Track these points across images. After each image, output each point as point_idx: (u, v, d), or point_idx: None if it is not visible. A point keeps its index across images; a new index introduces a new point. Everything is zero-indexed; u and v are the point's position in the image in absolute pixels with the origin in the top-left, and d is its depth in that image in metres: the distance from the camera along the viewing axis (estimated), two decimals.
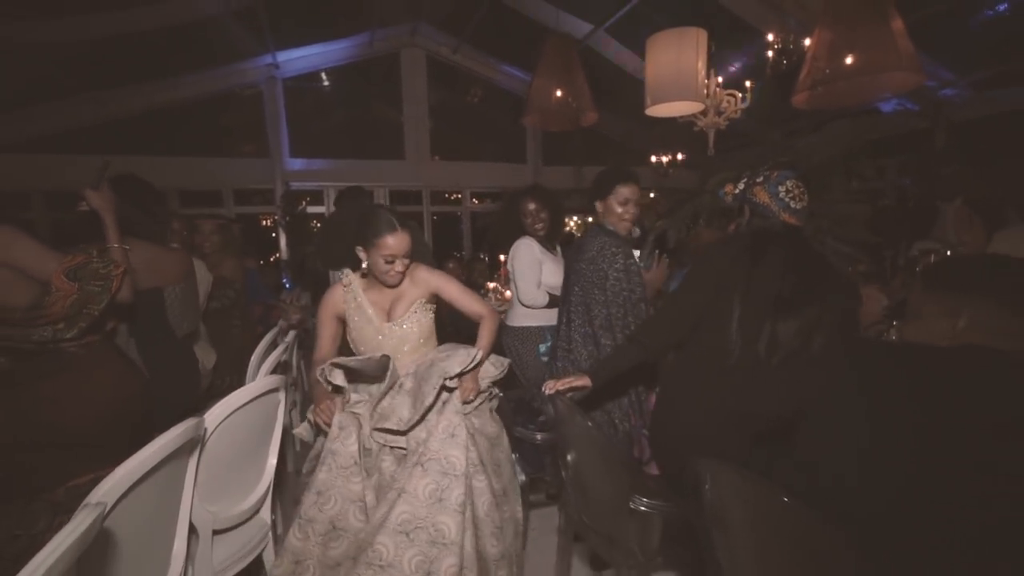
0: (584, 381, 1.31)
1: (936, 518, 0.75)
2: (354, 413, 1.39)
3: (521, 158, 6.88)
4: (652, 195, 4.71)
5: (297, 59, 5.61)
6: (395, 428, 1.34)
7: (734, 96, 4.21)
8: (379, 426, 1.35)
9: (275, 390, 1.39)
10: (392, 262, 1.47)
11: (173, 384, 1.69)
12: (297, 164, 5.90)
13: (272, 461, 1.43)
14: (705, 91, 3.92)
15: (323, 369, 1.45)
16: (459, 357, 1.46)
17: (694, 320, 1.28)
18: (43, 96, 4.68)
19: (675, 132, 4.64)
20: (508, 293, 2.73)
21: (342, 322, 1.60)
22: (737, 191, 1.34)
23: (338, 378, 1.44)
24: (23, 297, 1.19)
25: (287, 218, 5.66)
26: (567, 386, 1.32)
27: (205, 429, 1.12)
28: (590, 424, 1.24)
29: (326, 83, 6.13)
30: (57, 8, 3.73)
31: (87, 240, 1.44)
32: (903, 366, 0.86)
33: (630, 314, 1.62)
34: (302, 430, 1.48)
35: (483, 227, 6.69)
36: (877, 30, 2.70)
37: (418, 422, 1.37)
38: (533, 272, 2.13)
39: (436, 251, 6.09)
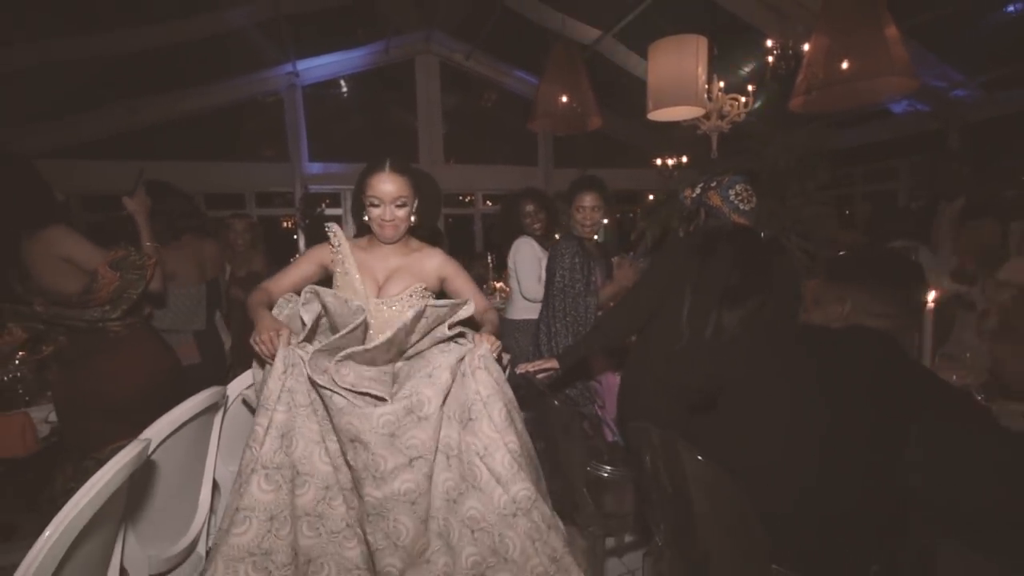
0: (552, 363, 1.50)
1: (815, 458, 0.93)
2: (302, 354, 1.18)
3: (532, 161, 7.08)
4: (651, 197, 4.84)
5: (316, 67, 5.92)
6: (380, 394, 1.15)
7: (736, 100, 4.34)
8: (360, 389, 1.15)
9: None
10: (377, 206, 1.31)
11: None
12: (316, 168, 6.21)
13: None
14: (707, 96, 4.07)
15: (304, 293, 1.26)
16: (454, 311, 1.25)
17: (650, 310, 1.46)
18: (81, 106, 5.08)
19: (682, 135, 4.79)
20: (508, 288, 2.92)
21: (324, 272, 1.42)
22: (694, 195, 1.51)
23: (309, 312, 1.24)
24: (76, 284, 1.44)
25: (306, 220, 5.97)
26: (537, 368, 1.51)
27: (227, 396, 1.35)
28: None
29: (343, 90, 6.45)
30: (95, 25, 4.08)
31: (123, 239, 1.70)
32: (804, 344, 1.03)
33: (579, 307, 1.83)
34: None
35: (489, 227, 6.92)
36: (871, 36, 2.83)
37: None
38: (534, 268, 2.32)
39: (450, 251, 6.32)
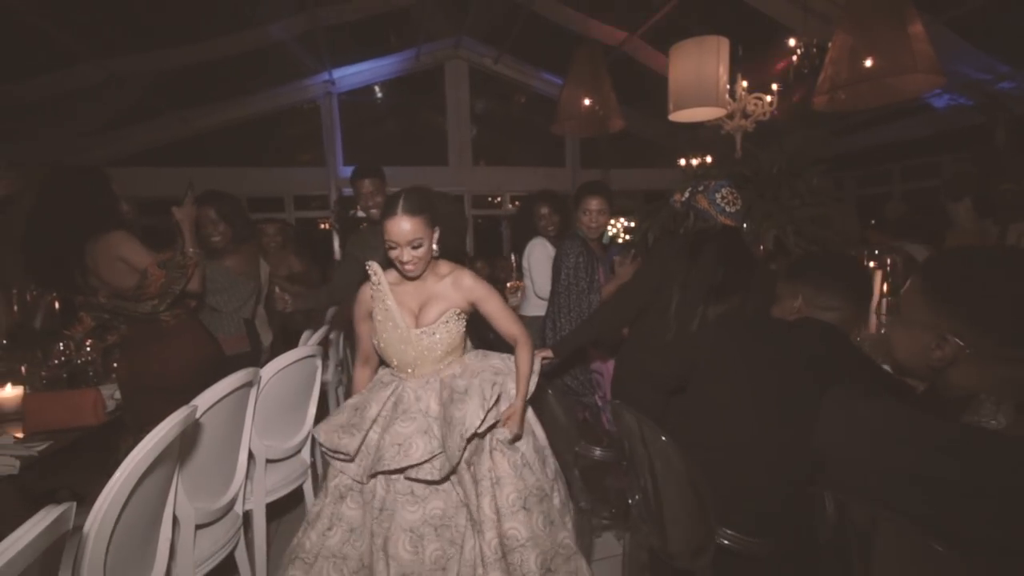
0: (547, 352, 1.64)
1: (766, 431, 1.04)
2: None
3: (560, 162, 7.21)
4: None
5: (350, 75, 6.24)
6: (433, 478, 1.31)
7: (761, 99, 4.34)
8: (401, 466, 1.30)
9: (313, 356, 1.82)
10: (395, 248, 1.35)
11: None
12: (350, 171, 6.54)
13: (312, 411, 1.86)
14: (730, 95, 4.09)
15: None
16: (474, 404, 1.30)
17: (639, 305, 1.58)
18: (138, 117, 5.55)
19: (707, 135, 4.81)
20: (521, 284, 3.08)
21: (374, 320, 1.49)
22: (683, 199, 1.63)
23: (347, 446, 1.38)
24: (131, 281, 1.69)
25: (339, 223, 6.30)
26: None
27: (260, 377, 1.56)
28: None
29: (376, 96, 6.76)
30: (151, 43, 4.49)
31: (172, 241, 1.95)
32: (761, 333, 1.15)
33: (582, 303, 1.96)
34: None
35: (506, 228, 7.09)
36: (894, 34, 2.85)
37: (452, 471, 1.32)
38: (547, 268, 2.46)
39: (478, 251, 6.54)
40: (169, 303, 1.73)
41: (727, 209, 1.55)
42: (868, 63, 2.93)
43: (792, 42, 4.16)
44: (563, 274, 2.02)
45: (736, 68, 4.24)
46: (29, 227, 1.59)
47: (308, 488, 1.86)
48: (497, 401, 1.35)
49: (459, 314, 1.45)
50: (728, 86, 3.95)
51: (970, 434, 0.68)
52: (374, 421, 1.41)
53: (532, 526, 1.27)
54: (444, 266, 1.48)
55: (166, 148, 5.89)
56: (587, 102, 4.48)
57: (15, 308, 2.20)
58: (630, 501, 1.28)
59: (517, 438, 1.37)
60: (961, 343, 0.70)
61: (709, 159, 5.31)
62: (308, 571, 1.34)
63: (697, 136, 5.23)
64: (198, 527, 1.31)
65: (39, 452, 1.34)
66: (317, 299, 2.32)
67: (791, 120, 4.43)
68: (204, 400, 1.26)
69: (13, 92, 4.25)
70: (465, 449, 1.30)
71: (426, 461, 1.30)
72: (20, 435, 1.45)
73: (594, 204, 2.06)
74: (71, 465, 1.54)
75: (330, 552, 1.34)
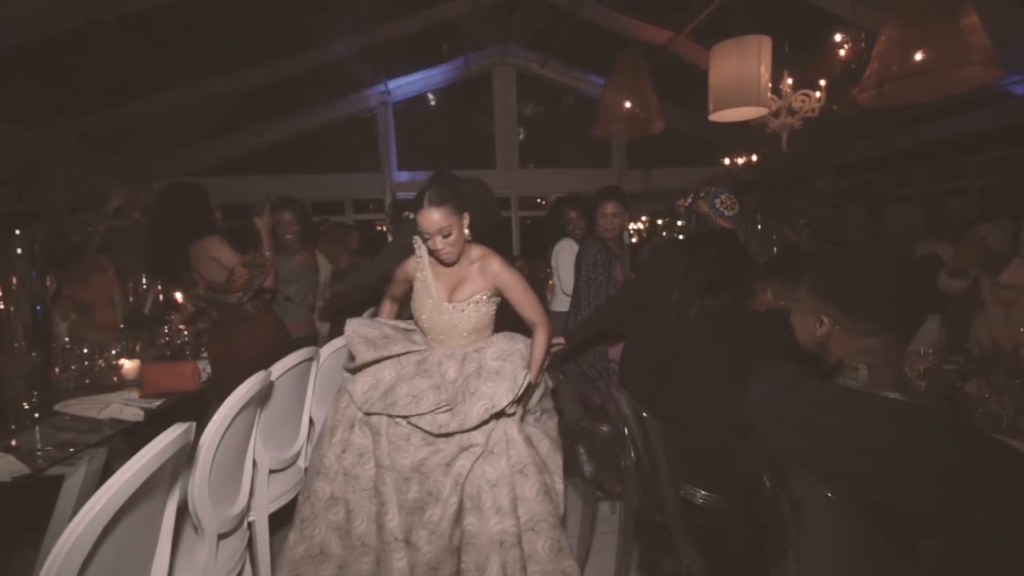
0: (559, 340, 1.88)
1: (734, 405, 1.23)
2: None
3: (606, 163, 7.35)
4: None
5: (404, 85, 6.71)
6: (432, 431, 1.48)
7: (808, 95, 4.32)
8: (407, 414, 1.49)
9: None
10: (427, 238, 1.53)
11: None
12: (403, 176, 7.02)
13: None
14: (774, 93, 4.12)
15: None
16: (506, 385, 1.47)
17: (641, 299, 1.79)
18: (219, 131, 6.28)
19: (751, 133, 4.82)
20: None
21: (410, 284, 1.69)
22: (687, 204, 1.82)
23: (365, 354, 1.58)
24: (221, 276, 2.09)
25: (393, 225, 6.79)
26: None
27: (319, 355, 1.91)
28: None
29: (428, 104, 7.21)
30: (232, 66, 5.12)
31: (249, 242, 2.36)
32: (736, 323, 1.34)
33: (600, 297, 2.18)
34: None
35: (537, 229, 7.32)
36: (946, 26, 2.84)
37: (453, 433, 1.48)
38: (572, 266, 2.71)
39: (523, 251, 6.82)
40: (250, 296, 2.13)
41: (725, 213, 1.72)
42: (918, 57, 2.91)
43: (839, 37, 4.12)
44: (583, 271, 2.25)
45: (782, 64, 4.25)
46: (150, 232, 2.04)
47: None
48: (524, 391, 1.51)
49: (490, 296, 1.61)
50: (770, 84, 3.99)
51: (837, 391, 0.88)
52: (394, 360, 1.60)
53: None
54: (476, 250, 1.64)
55: (242, 158, 6.61)
56: (628, 105, 4.63)
57: (130, 298, 2.72)
58: (623, 463, 1.50)
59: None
60: (832, 322, 0.90)
61: (755, 158, 5.30)
62: (331, 484, 1.57)
63: (745, 134, 5.23)
64: (271, 471, 1.67)
65: (156, 407, 1.74)
66: (356, 277, 2.67)
67: (852, 113, 4.35)
68: (278, 369, 1.61)
69: (113, 118, 5.01)
70: (485, 423, 1.47)
71: (429, 412, 1.49)
72: (138, 396, 1.87)
73: (610, 208, 2.28)
74: (176, 419, 1.94)
75: (345, 471, 1.56)
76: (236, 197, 6.15)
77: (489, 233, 1.76)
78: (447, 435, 1.49)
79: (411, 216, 2.18)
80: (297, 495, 1.72)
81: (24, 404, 1.66)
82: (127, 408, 1.62)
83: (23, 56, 3.74)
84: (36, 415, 1.66)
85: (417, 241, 1.66)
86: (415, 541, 1.45)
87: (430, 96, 7.18)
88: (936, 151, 5.88)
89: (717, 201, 1.73)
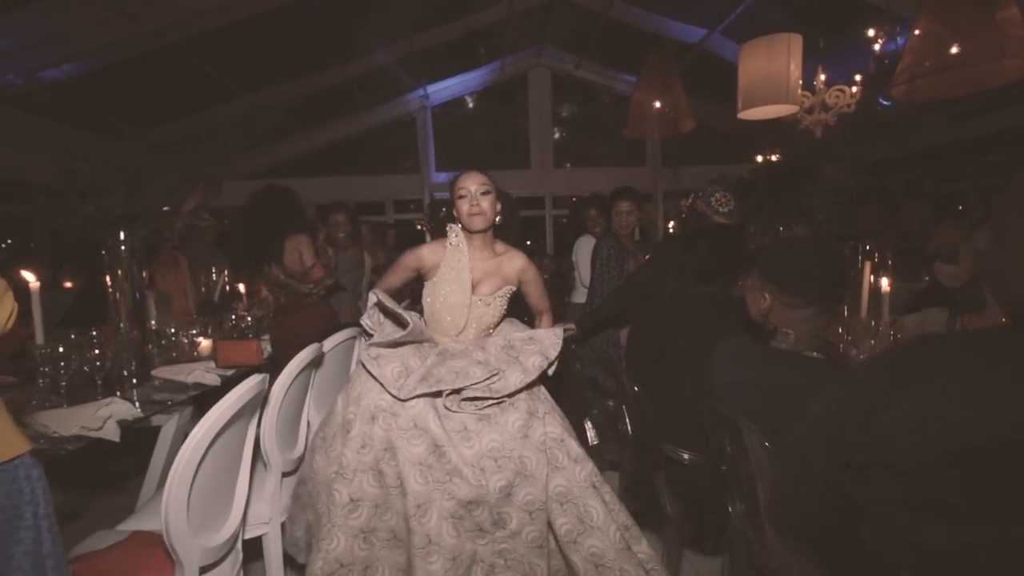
0: (571, 326, 2.13)
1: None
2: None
3: (641, 161, 7.49)
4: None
5: (442, 89, 7.10)
6: (493, 396, 1.45)
7: (843, 91, 4.36)
8: (461, 386, 1.45)
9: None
10: (464, 197, 1.58)
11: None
12: (441, 177, 7.41)
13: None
14: (807, 90, 4.19)
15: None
16: (550, 340, 1.56)
17: (642, 289, 2.02)
18: (272, 137, 6.86)
19: (783, 130, 4.88)
20: None
21: (416, 275, 1.72)
22: (688, 203, 2.04)
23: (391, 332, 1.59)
24: (299, 267, 2.47)
25: (431, 224, 7.19)
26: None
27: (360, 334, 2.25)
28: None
29: (465, 107, 7.58)
30: (285, 77, 5.62)
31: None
32: (720, 308, 1.57)
33: (613, 287, 2.42)
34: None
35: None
36: (981, 19, 2.90)
37: (515, 392, 1.48)
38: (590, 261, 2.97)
39: (557, 247, 7.07)
40: (320, 289, 2.52)
41: (720, 209, 1.93)
42: (953, 50, 2.95)
43: (871, 32, 4.16)
44: (597, 265, 2.50)
45: (816, 61, 4.31)
46: (246, 221, 2.46)
47: None
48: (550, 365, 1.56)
49: (510, 291, 1.69)
50: (801, 80, 4.07)
51: (773, 352, 1.11)
52: (415, 347, 1.59)
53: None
54: (501, 245, 1.73)
55: (291, 162, 7.18)
56: (658, 105, 4.80)
57: (202, 288, 3.17)
58: (619, 427, 1.75)
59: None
60: (772, 298, 1.13)
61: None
62: (349, 485, 1.46)
63: (779, 130, 5.28)
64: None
65: (229, 375, 2.12)
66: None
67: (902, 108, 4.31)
68: (328, 345, 1.96)
69: (179, 128, 5.62)
70: (520, 390, 1.50)
71: (483, 381, 1.46)
72: (215, 366, 2.26)
73: (624, 206, 2.52)
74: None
75: (367, 467, 1.47)
76: None
77: (508, 238, 1.81)
78: (510, 396, 1.49)
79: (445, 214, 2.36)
80: None
81: (125, 372, 2.08)
82: (208, 375, 2.00)
83: (108, 75, 4.32)
84: (134, 380, 2.07)
85: (452, 229, 1.68)
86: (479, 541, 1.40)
87: (468, 99, 7.54)
88: (990, 145, 5.73)
89: (712, 199, 1.94)
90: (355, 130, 7.14)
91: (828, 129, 4.41)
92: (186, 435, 1.12)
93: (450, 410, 1.50)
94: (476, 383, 1.48)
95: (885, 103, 5.37)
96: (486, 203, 1.60)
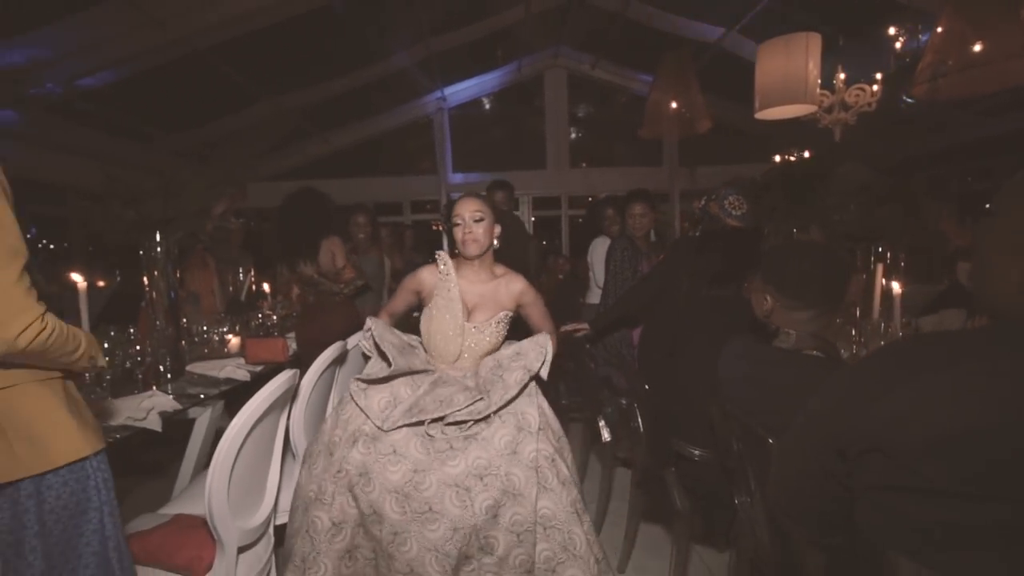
0: (583, 326, 2.19)
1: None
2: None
3: (658, 161, 7.50)
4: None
5: (459, 91, 7.20)
6: (474, 417, 1.43)
7: (863, 90, 4.34)
8: (443, 414, 1.43)
9: None
10: (459, 224, 1.58)
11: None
12: (458, 178, 7.52)
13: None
14: (819, 91, 4.18)
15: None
16: (534, 352, 1.53)
17: (655, 291, 2.08)
18: (294, 139, 7.04)
19: (802, 130, 4.87)
20: None
21: (418, 298, 1.72)
22: (701, 206, 2.09)
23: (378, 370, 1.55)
24: (332, 268, 2.58)
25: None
26: (573, 328, 2.22)
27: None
28: None
29: (482, 108, 7.68)
30: (307, 81, 5.78)
31: None
32: (730, 310, 1.62)
33: (624, 287, 2.47)
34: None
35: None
36: (1005, 18, 2.89)
37: (498, 410, 1.45)
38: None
39: (573, 247, 7.12)
40: (350, 290, 2.63)
41: (733, 212, 1.98)
42: (976, 48, 2.94)
43: (892, 30, 4.13)
44: (611, 266, 2.56)
45: (836, 59, 4.30)
46: (282, 221, 2.62)
47: None
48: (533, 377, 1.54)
49: (508, 317, 1.65)
50: (819, 80, 4.05)
51: (773, 351, 1.16)
52: (408, 378, 1.58)
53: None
54: (500, 268, 1.71)
55: (311, 164, 7.36)
56: (674, 105, 4.82)
57: (230, 288, 3.31)
58: (631, 424, 1.81)
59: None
60: (774, 300, 1.18)
61: (807, 154, 5.32)
62: (330, 510, 1.44)
63: (798, 130, 5.26)
64: None
65: (259, 370, 2.24)
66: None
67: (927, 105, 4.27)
68: (351, 341, 2.06)
69: (204, 132, 5.81)
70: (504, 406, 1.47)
71: (465, 407, 1.47)
72: (244, 362, 2.38)
73: (637, 209, 2.58)
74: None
75: (344, 489, 1.44)
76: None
77: (516, 260, 1.79)
78: (493, 414, 1.47)
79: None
80: None
81: (161, 367, 2.20)
82: (238, 370, 2.12)
83: (139, 82, 4.51)
84: (169, 375, 2.19)
85: (441, 256, 1.68)
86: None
87: (484, 100, 7.63)
88: (1017, 143, 5.62)
89: (726, 202, 1.99)
90: (374, 132, 7.28)
91: (850, 127, 4.39)
92: (217, 427, 1.22)
93: (431, 436, 1.47)
94: (458, 409, 1.47)
95: (909, 100, 5.31)
96: (480, 230, 1.59)
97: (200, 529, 1.30)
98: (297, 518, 1.50)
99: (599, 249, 3.05)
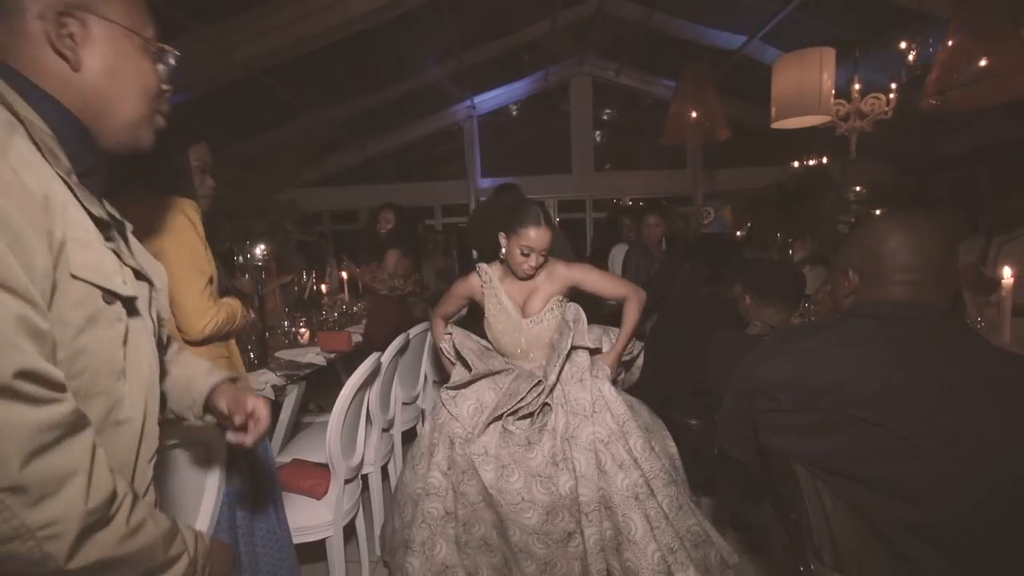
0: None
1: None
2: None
3: (682, 164, 7.86)
4: None
5: (488, 99, 7.71)
6: (540, 401, 1.58)
7: (879, 98, 4.65)
8: (512, 406, 1.59)
9: None
10: (528, 255, 1.64)
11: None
12: (486, 183, 8.02)
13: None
14: (833, 100, 4.50)
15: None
16: (571, 314, 1.70)
17: (661, 291, 2.52)
18: (331, 148, 7.65)
19: (819, 138, 5.18)
20: None
21: (470, 302, 1.89)
22: (692, 215, 2.52)
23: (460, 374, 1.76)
24: (386, 272, 3.11)
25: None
26: None
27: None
28: None
29: (509, 115, 8.17)
30: (347, 95, 6.36)
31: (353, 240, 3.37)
32: (706, 308, 2.07)
33: None
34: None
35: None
36: (1005, 33, 3.19)
37: (551, 390, 1.60)
38: None
39: (593, 252, 7.54)
40: (398, 292, 3.15)
41: (703, 221, 2.43)
42: (981, 64, 3.24)
43: (903, 44, 4.43)
44: (625, 272, 3.00)
45: (852, 69, 4.62)
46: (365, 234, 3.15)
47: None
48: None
49: (560, 301, 1.76)
50: (833, 91, 4.36)
51: (743, 337, 1.61)
52: (490, 380, 1.74)
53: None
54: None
55: (349, 171, 7.97)
56: (693, 115, 5.20)
57: (296, 289, 3.87)
58: None
59: (612, 381, 1.72)
60: (750, 300, 1.63)
61: (824, 160, 5.63)
62: (443, 501, 1.66)
63: (818, 134, 5.57)
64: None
65: (332, 357, 2.77)
66: None
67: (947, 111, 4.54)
68: (410, 335, 2.56)
69: (252, 144, 6.45)
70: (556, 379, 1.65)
71: (528, 392, 1.62)
72: (320, 350, 2.91)
73: (651, 220, 3.02)
74: (342, 367, 3.01)
75: (453, 487, 1.64)
76: (344, 204, 7.57)
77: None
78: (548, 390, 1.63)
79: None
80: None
81: (251, 354, 2.75)
82: (317, 357, 2.64)
83: (203, 103, 5.14)
84: (256, 361, 2.73)
85: (482, 268, 1.82)
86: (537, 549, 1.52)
87: (511, 107, 8.13)
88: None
89: (700, 213, 2.43)
90: (406, 140, 7.85)
91: (867, 134, 4.68)
92: (301, 402, 1.68)
93: (511, 432, 1.62)
94: (522, 397, 1.62)
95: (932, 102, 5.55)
96: (542, 260, 1.70)
97: (315, 468, 1.81)
98: (408, 512, 1.72)
99: (618, 255, 3.50)
